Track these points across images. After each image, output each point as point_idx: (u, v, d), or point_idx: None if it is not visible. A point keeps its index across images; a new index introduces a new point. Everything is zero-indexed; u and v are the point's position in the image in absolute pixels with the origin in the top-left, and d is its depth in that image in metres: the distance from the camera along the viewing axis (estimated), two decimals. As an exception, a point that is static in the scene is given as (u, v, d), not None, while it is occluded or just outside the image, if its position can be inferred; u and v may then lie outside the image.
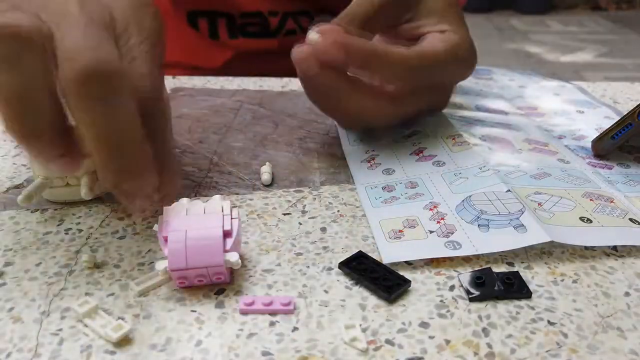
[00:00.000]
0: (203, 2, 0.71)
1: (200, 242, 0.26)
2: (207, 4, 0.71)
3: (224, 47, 0.68)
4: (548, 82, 0.58)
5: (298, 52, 0.36)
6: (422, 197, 0.34)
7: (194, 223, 0.27)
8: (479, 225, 0.31)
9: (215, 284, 0.28)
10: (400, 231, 0.31)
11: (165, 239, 0.27)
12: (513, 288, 0.27)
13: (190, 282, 0.27)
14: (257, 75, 0.60)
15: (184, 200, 0.29)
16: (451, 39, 0.39)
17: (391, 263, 0.29)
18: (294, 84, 0.57)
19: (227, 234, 0.27)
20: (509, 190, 0.33)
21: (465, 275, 0.28)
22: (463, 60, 0.41)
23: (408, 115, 0.42)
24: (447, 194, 0.34)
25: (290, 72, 0.64)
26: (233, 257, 0.26)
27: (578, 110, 0.50)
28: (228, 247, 0.27)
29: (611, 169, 0.39)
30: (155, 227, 0.28)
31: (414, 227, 0.32)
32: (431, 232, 0.31)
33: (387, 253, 0.30)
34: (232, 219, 0.28)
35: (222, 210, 0.28)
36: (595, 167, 0.39)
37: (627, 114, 0.39)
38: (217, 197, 0.29)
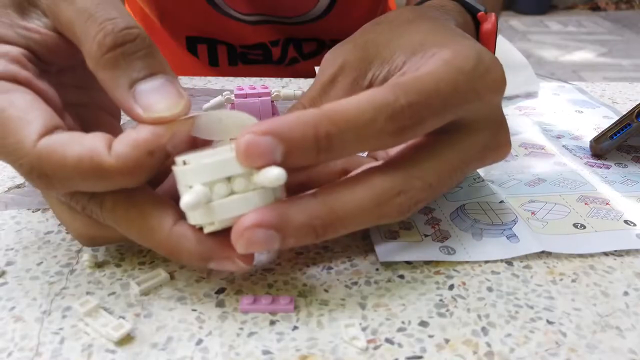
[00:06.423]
0: (203, 30, 0.68)
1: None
2: (207, 32, 0.68)
3: (224, 74, 0.64)
4: (547, 82, 0.58)
5: None
6: None
7: None
8: (472, 234, 0.31)
9: None
10: (396, 231, 0.31)
11: None
12: None
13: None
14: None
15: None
16: (442, 55, 0.27)
17: (387, 262, 0.29)
18: (294, 85, 0.57)
19: None
20: (502, 202, 0.34)
21: None
22: (474, 77, 0.26)
23: None
24: (441, 201, 0.35)
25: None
26: None
27: (577, 110, 0.50)
28: None
29: (609, 168, 0.39)
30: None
31: (410, 228, 0.32)
32: (426, 235, 0.31)
33: (383, 252, 0.30)
34: None
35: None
36: (593, 167, 0.39)
37: (626, 114, 0.39)
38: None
